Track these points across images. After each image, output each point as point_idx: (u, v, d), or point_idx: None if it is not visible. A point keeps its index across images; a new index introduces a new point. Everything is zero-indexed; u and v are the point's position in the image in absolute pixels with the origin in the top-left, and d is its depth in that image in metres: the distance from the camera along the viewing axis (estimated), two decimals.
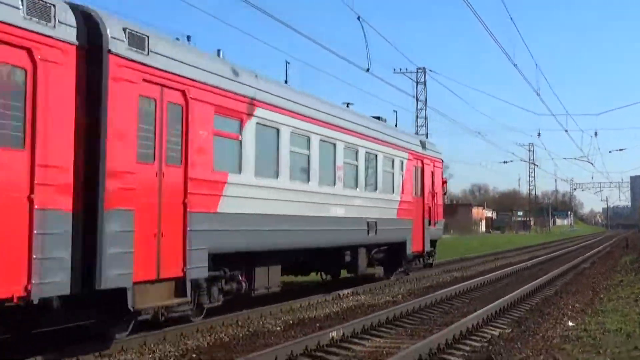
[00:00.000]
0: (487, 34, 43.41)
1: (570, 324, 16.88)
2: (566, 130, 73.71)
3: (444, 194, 33.35)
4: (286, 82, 23.05)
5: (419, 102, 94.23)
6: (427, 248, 29.68)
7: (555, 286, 26.77)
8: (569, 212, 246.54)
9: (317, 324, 16.95)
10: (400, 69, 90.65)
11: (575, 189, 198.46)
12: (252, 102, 16.77)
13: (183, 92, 14.04)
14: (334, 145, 21.38)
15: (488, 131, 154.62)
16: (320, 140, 20.30)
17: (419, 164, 29.17)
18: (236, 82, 16.27)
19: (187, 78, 14.21)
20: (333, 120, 21.31)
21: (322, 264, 23.61)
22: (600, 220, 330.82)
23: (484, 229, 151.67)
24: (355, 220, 22.42)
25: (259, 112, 17.03)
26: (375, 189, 24.66)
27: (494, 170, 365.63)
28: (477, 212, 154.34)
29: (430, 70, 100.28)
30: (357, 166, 23.08)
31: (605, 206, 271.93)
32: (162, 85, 13.48)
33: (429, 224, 29.73)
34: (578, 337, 14.83)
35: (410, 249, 27.60)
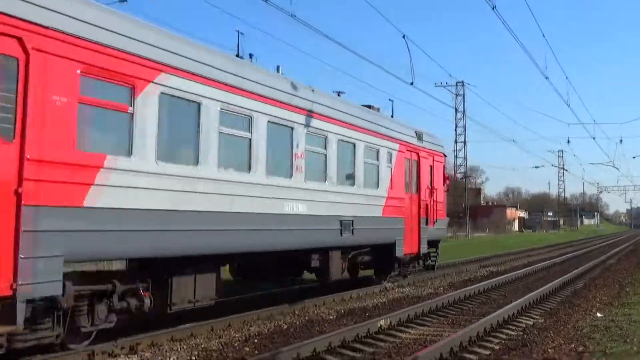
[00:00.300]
0: (521, 50, 43.00)
1: (598, 315, 16.75)
2: (593, 138, 73.53)
3: (446, 191, 27.93)
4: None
5: (458, 113, 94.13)
6: (424, 250, 24.75)
7: (584, 280, 26.47)
8: (596, 213, 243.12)
9: (367, 314, 17.05)
10: (441, 83, 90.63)
11: (601, 192, 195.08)
12: (156, 66, 12.18)
13: (19, 40, 9.64)
14: (291, 129, 16.48)
15: (521, 139, 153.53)
16: (270, 122, 15.50)
17: (414, 157, 24.24)
18: (126, 37, 11.58)
19: (27, 21, 9.76)
20: (288, 99, 16.39)
21: (282, 269, 19.03)
22: (624, 220, 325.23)
23: (516, 228, 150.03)
24: (322, 219, 17.66)
25: (166, 79, 12.39)
26: (353, 183, 19.69)
27: (526, 175, 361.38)
28: (510, 212, 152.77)
29: (468, 84, 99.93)
30: (326, 156, 18.13)
31: (629, 207, 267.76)
32: None
33: (426, 223, 24.86)
34: (606, 327, 14.72)
35: (402, 251, 22.78)
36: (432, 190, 25.56)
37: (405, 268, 24.72)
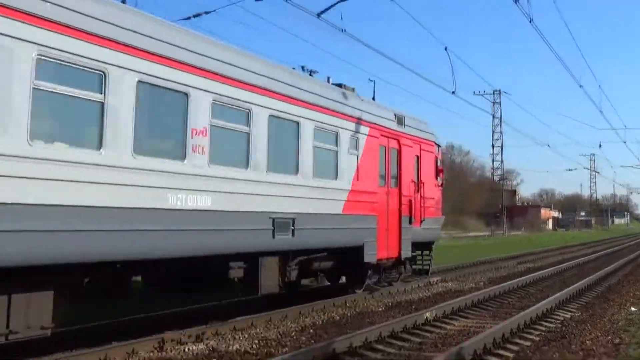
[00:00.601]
0: (557, 60, 41.76)
1: (632, 309, 16.26)
2: (624, 142, 71.86)
3: (440, 185, 22.20)
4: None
5: (495, 119, 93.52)
6: (406, 253, 19.23)
7: (617, 276, 25.78)
8: (626, 213, 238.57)
9: (413, 306, 16.80)
10: (479, 91, 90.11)
11: (631, 193, 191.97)
12: None
13: None
14: (186, 95, 11.27)
15: (555, 143, 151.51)
16: (141, 81, 10.36)
17: (393, 144, 18.74)
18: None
19: None
20: (179, 54, 11.20)
21: (191, 281, 13.22)
22: None
23: (550, 227, 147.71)
24: (243, 216, 12.54)
25: None
26: (296, 171, 14.41)
27: (559, 177, 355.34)
28: (544, 212, 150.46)
29: (505, 92, 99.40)
30: (249, 135, 12.91)
31: None
32: None
33: (410, 221, 19.46)
34: None
35: (374, 256, 17.46)
36: (419, 184, 20.16)
37: (387, 274, 19.79)
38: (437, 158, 21.67)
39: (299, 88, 14.62)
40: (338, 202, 15.97)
